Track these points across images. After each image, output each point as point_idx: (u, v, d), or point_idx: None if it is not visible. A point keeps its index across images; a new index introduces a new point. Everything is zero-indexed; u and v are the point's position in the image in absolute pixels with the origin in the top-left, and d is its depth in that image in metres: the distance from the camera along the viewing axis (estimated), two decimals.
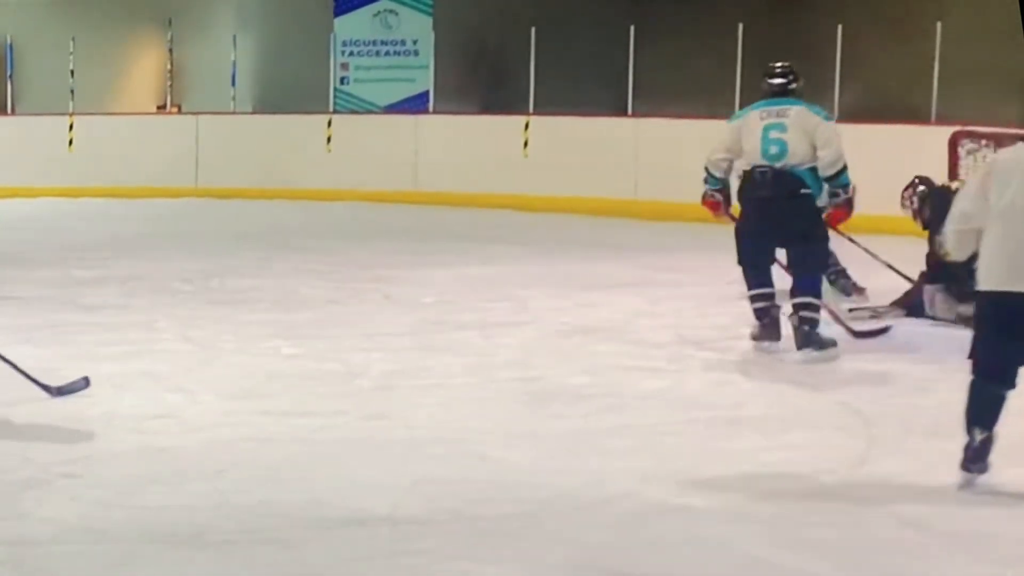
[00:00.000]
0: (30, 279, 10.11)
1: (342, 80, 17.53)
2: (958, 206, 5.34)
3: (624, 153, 15.05)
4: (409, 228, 13.48)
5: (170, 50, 18.24)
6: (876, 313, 8.64)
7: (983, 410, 5.29)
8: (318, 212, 14.76)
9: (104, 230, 13.06)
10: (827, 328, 7.75)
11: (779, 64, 8.04)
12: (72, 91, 16.97)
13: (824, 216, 7.80)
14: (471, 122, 16.17)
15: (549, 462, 5.51)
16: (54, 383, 6.56)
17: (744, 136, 7.80)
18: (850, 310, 8.61)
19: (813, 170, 7.69)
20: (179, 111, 18.11)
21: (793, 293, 7.67)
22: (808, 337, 7.56)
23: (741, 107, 14.99)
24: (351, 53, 17.56)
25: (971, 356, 5.33)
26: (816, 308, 7.66)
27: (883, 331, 8.27)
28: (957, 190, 8.61)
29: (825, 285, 8.32)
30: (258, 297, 9.46)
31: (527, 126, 15.56)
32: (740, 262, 7.86)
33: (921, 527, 4.77)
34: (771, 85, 7.94)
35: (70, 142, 15.97)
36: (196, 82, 18.43)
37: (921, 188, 8.68)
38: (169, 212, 14.74)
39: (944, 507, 4.99)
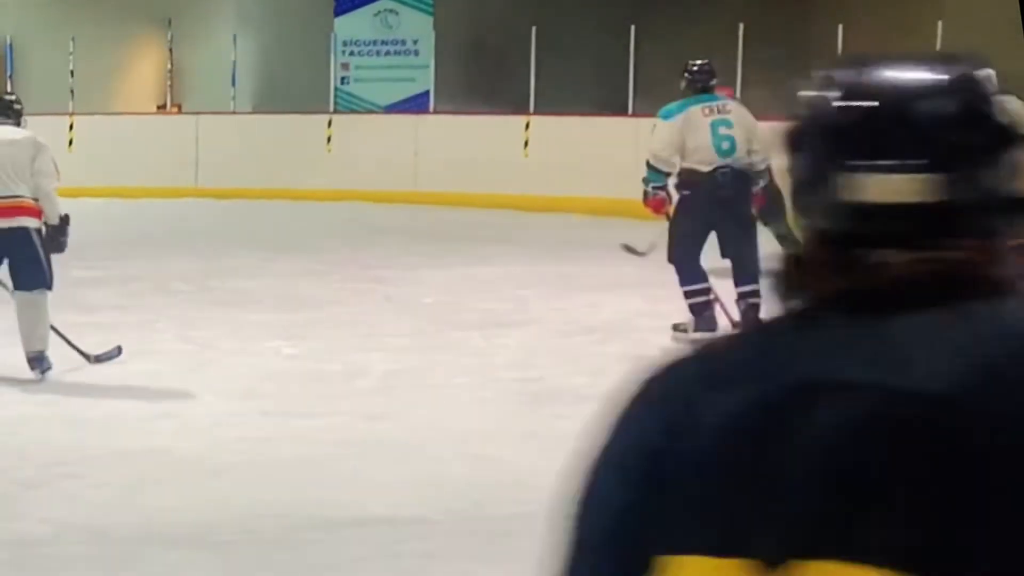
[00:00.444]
0: None
1: (342, 80, 17.54)
2: None
3: (624, 153, 15.04)
4: (409, 228, 13.48)
5: (170, 50, 18.25)
6: None
7: None
8: (318, 212, 14.76)
9: (104, 230, 13.05)
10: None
11: (703, 61, 8.24)
12: (72, 91, 16.99)
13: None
14: (471, 122, 16.18)
15: (549, 462, 5.48)
16: (53, 383, 6.57)
17: (689, 133, 7.91)
18: None
19: None
20: (179, 111, 18.13)
21: (743, 282, 7.88)
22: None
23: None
24: (351, 53, 17.57)
25: None
26: (760, 294, 7.79)
27: None
28: None
29: None
30: (258, 297, 9.46)
31: (527, 126, 15.57)
32: (681, 259, 8.05)
33: None
34: (704, 80, 8.10)
35: (70, 142, 15.95)
36: (196, 82, 18.45)
37: None
38: (169, 212, 14.74)
39: None
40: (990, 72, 1.44)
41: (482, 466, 5.46)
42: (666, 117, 8.03)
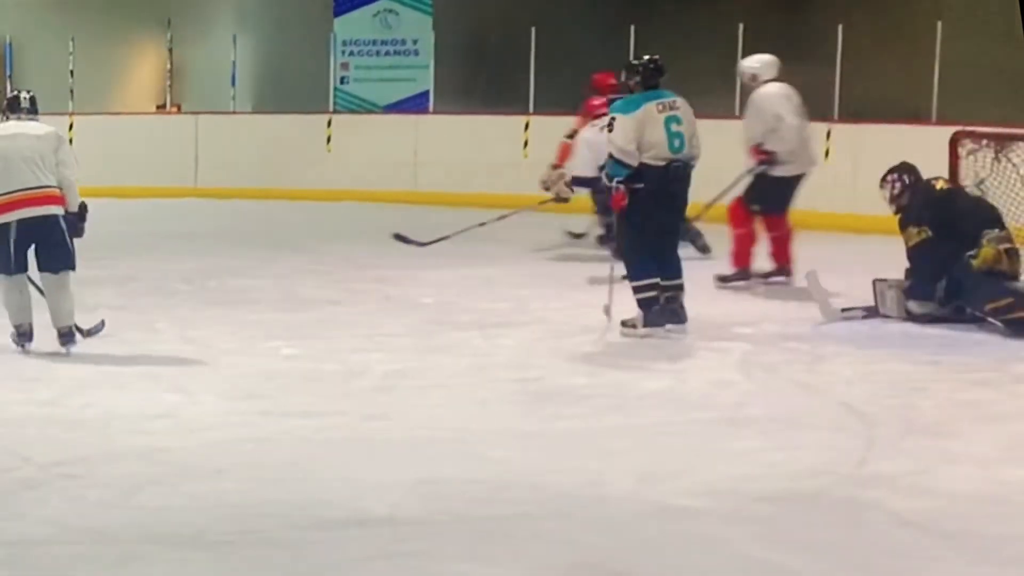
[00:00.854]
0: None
1: (342, 80, 17.53)
2: None
3: None
4: (409, 228, 13.45)
5: (170, 50, 18.23)
6: (869, 313, 8.66)
7: None
8: (318, 212, 14.75)
9: (104, 230, 13.02)
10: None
11: (654, 57, 8.37)
12: (72, 91, 16.98)
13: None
14: (471, 122, 16.16)
15: (549, 462, 5.50)
16: (53, 383, 6.57)
17: (647, 128, 8.04)
18: (843, 310, 8.64)
19: None
20: (179, 111, 18.10)
21: (673, 275, 8.19)
22: (684, 313, 8.11)
23: (742, 107, 15.07)
24: (351, 53, 17.55)
25: None
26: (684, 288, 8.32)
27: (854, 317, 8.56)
28: (941, 189, 8.66)
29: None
30: (258, 297, 9.46)
31: (527, 126, 15.55)
32: (637, 251, 8.13)
33: (921, 527, 4.77)
34: (656, 77, 8.26)
35: (69, 142, 15.95)
36: (196, 82, 18.44)
37: (907, 176, 8.70)
38: (169, 212, 14.74)
39: (944, 507, 4.98)
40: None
41: (482, 466, 5.45)
42: (625, 112, 8.11)
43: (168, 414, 6.24)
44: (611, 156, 8.08)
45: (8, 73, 17.81)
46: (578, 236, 11.17)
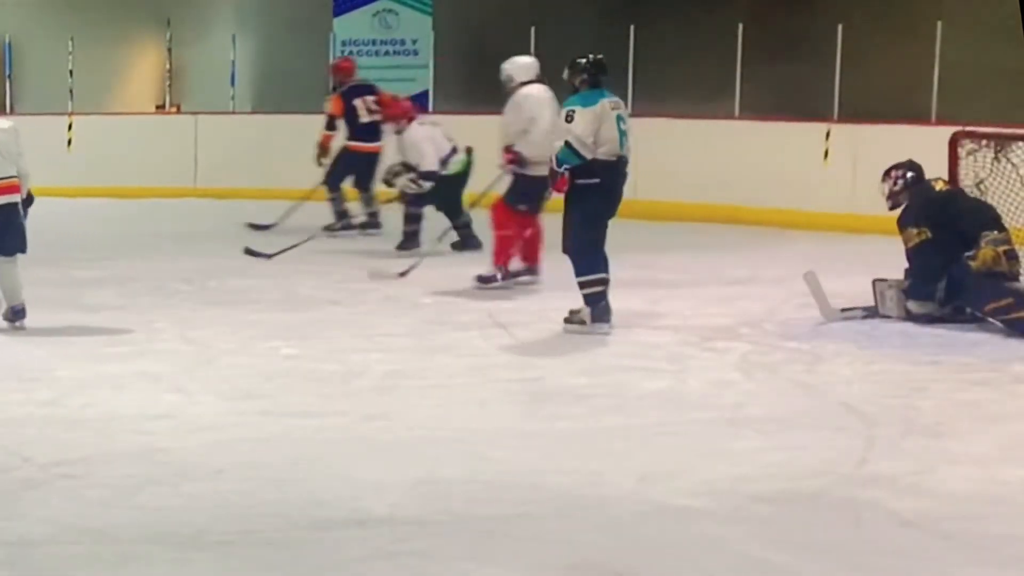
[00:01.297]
0: (30, 279, 10.09)
1: None
2: None
3: None
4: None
5: (169, 50, 18.23)
6: (869, 314, 8.66)
7: None
8: (317, 212, 14.72)
9: (103, 230, 13.06)
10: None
11: (599, 55, 8.52)
12: (71, 91, 16.97)
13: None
14: (470, 122, 16.12)
15: (549, 462, 5.50)
16: (53, 383, 6.56)
17: (603, 124, 8.17)
18: (842, 310, 8.64)
19: None
20: (178, 111, 18.10)
21: (608, 270, 8.31)
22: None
23: (741, 107, 15.12)
24: (350, 53, 17.53)
25: None
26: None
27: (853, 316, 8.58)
28: (941, 190, 8.66)
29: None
30: (257, 297, 9.45)
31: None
32: (585, 247, 8.24)
33: (921, 527, 4.77)
34: (602, 74, 8.42)
35: (69, 142, 15.96)
36: (195, 82, 18.43)
37: (910, 175, 8.70)
38: (168, 212, 14.73)
39: (944, 507, 4.98)
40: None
41: (482, 466, 5.45)
42: (585, 105, 8.20)
43: (168, 414, 6.24)
44: (568, 144, 8.11)
45: (8, 73, 17.82)
46: (262, 228, 11.29)
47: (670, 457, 5.61)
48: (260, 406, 6.41)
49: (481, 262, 10.11)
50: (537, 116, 9.64)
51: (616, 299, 9.38)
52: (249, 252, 11.18)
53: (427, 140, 11.63)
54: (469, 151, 11.67)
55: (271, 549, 4.53)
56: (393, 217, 12.07)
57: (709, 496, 5.07)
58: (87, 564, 4.38)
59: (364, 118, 13.16)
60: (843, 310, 8.66)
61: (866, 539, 4.67)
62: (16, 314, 8.14)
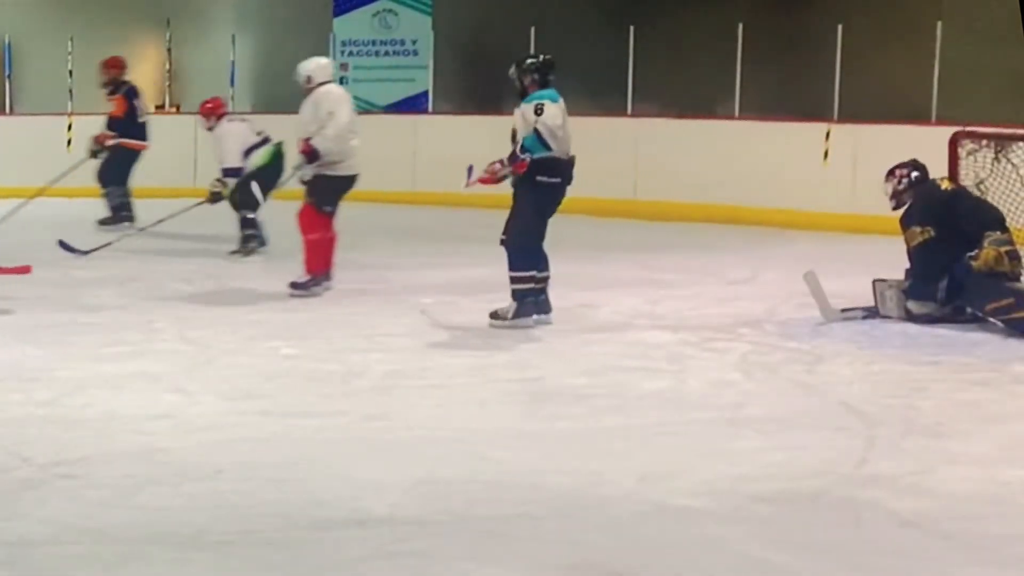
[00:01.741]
0: (30, 279, 10.10)
1: (341, 80, 17.47)
2: None
3: (624, 153, 15.04)
4: (409, 228, 13.48)
5: (169, 50, 18.22)
6: (869, 314, 8.67)
7: None
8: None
9: (103, 230, 13.04)
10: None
11: (547, 55, 8.66)
12: (71, 91, 16.96)
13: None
14: (470, 122, 16.15)
15: (549, 462, 5.50)
16: (53, 383, 6.57)
17: (564, 122, 8.36)
18: (842, 310, 8.65)
19: None
20: (178, 111, 18.07)
21: (548, 267, 8.46)
22: (550, 304, 8.47)
23: (741, 107, 15.12)
24: (350, 53, 17.55)
25: None
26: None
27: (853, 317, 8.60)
28: (946, 190, 8.65)
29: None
30: (257, 297, 9.45)
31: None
32: (528, 243, 8.35)
33: (921, 527, 4.77)
34: (550, 74, 8.51)
35: (68, 142, 15.92)
36: (195, 82, 18.40)
37: (915, 174, 8.70)
38: (167, 212, 14.69)
39: (944, 507, 4.98)
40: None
41: (482, 466, 5.45)
42: (554, 100, 8.35)
43: (168, 414, 6.24)
44: (537, 133, 8.19)
45: (7, 73, 17.80)
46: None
47: (670, 457, 5.61)
48: (260, 406, 6.41)
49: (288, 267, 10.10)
50: (336, 111, 9.64)
51: (616, 299, 9.40)
52: (63, 246, 11.18)
53: (232, 136, 11.73)
54: (279, 144, 11.62)
55: (271, 549, 4.53)
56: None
57: (709, 496, 5.07)
58: (87, 564, 4.38)
59: (141, 118, 13.54)
60: (843, 310, 8.66)
61: (866, 539, 4.66)
62: None
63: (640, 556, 4.48)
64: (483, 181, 8.52)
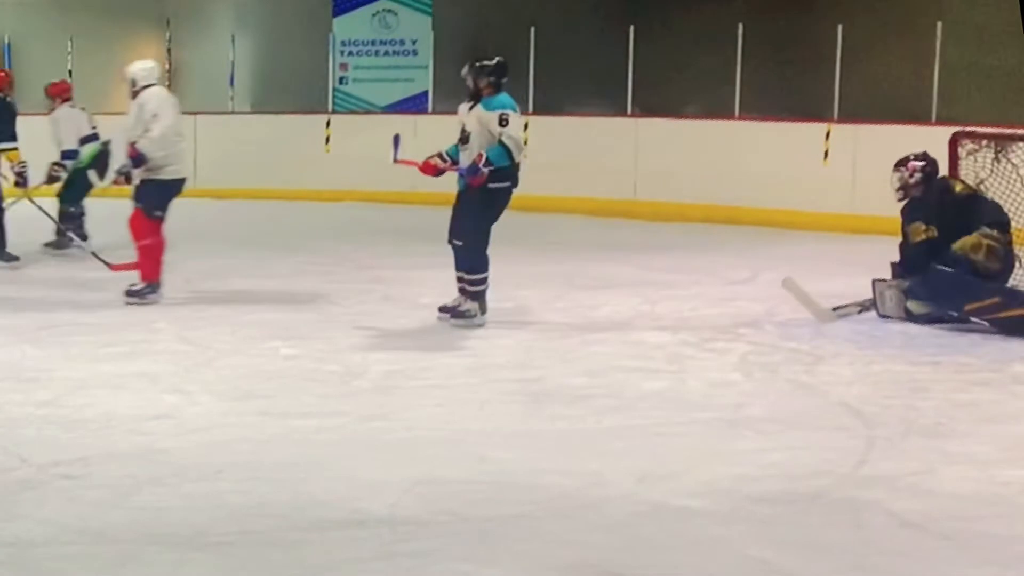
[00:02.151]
0: (30, 279, 10.10)
1: (341, 80, 17.53)
2: None
3: (624, 153, 15.05)
4: (408, 228, 13.47)
5: (168, 50, 18.23)
6: (863, 307, 8.66)
7: None
8: (316, 212, 14.75)
9: (103, 231, 13.03)
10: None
11: (501, 58, 8.67)
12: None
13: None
14: None
15: (549, 463, 5.49)
16: (52, 383, 6.56)
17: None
18: (834, 309, 8.65)
19: None
20: None
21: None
22: None
23: (741, 107, 15.13)
24: (350, 53, 17.56)
25: None
26: None
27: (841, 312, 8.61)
28: (961, 193, 8.63)
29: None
30: (256, 297, 9.45)
31: (526, 126, 15.51)
32: (482, 248, 8.45)
33: (921, 527, 4.77)
34: (504, 77, 8.56)
35: None
36: (194, 82, 18.41)
37: (929, 168, 8.66)
38: (167, 212, 14.70)
39: (944, 507, 4.98)
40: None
41: (481, 466, 5.45)
42: (514, 109, 8.38)
43: (167, 414, 6.23)
44: (503, 146, 8.22)
45: None
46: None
47: (670, 457, 5.60)
48: (259, 406, 6.40)
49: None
50: (160, 113, 9.56)
51: (616, 299, 9.39)
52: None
53: (71, 121, 11.76)
54: (106, 143, 11.57)
55: (270, 549, 4.52)
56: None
57: (709, 496, 5.06)
58: (86, 565, 4.37)
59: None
60: (835, 308, 8.64)
61: (866, 539, 4.66)
62: None
63: (640, 556, 4.48)
64: (423, 170, 8.66)
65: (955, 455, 5.65)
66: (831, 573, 4.38)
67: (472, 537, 4.64)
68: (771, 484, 5.23)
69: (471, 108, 8.43)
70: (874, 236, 10.87)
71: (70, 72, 17.03)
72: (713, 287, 10.03)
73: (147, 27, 18.40)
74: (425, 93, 17.22)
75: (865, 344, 7.96)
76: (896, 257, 8.71)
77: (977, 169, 9.00)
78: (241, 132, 16.74)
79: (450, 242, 8.55)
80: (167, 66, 18.23)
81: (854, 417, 6.26)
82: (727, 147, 14.48)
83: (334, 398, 6.62)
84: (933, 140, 9.85)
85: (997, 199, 8.82)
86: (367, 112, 17.36)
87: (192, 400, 6.51)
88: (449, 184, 8.51)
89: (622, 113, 15.65)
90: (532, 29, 15.87)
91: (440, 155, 8.64)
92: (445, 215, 8.76)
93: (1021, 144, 8.95)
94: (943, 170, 8.97)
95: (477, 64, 8.49)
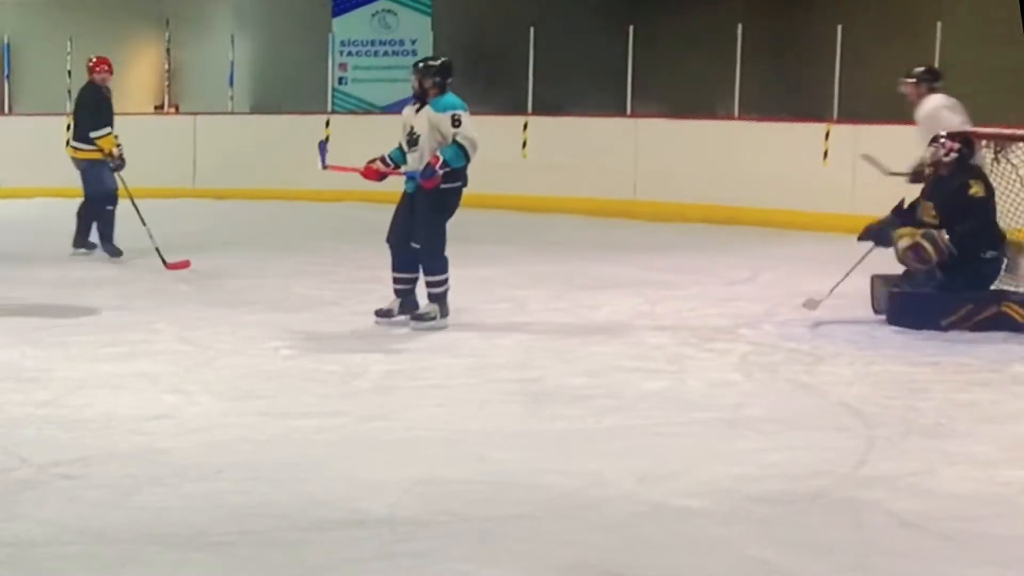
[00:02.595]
0: (29, 279, 10.10)
1: (340, 80, 17.52)
2: None
3: (623, 153, 15.04)
4: None
5: (168, 50, 18.22)
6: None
7: None
8: (316, 212, 14.74)
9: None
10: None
11: (447, 58, 8.78)
12: (69, 91, 16.92)
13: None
14: (470, 122, 16.14)
15: (549, 463, 5.49)
16: (52, 383, 6.56)
17: None
18: (892, 173, 8.90)
19: None
20: (177, 111, 18.09)
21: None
22: None
23: (741, 107, 15.12)
24: (349, 53, 17.55)
25: None
26: None
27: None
28: (974, 196, 8.59)
29: None
30: (256, 298, 9.45)
31: (526, 126, 15.54)
32: (442, 250, 8.55)
33: (921, 527, 4.77)
34: (450, 78, 8.60)
35: (67, 142, 15.93)
36: (194, 82, 18.42)
37: (965, 151, 8.64)
38: (167, 212, 14.69)
39: (944, 507, 4.98)
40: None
41: (480, 466, 5.45)
42: (464, 109, 8.42)
43: (167, 414, 6.23)
44: (459, 146, 8.26)
45: (6, 73, 17.80)
46: None
47: (670, 457, 5.60)
48: (259, 406, 6.40)
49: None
50: None
51: (616, 299, 9.39)
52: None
53: None
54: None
55: (270, 549, 4.52)
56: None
57: (709, 496, 5.06)
58: (86, 564, 4.37)
59: None
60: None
61: (866, 539, 4.66)
62: None
63: (640, 556, 4.47)
64: (365, 175, 8.70)
65: (955, 455, 5.65)
66: (831, 573, 4.38)
67: (472, 537, 4.64)
68: (771, 484, 5.23)
69: (418, 110, 8.43)
70: None
71: (69, 72, 17.03)
72: (713, 287, 10.02)
73: (146, 27, 18.40)
74: None
75: (865, 344, 7.96)
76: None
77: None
78: (240, 132, 16.73)
79: (388, 241, 8.62)
80: (167, 66, 18.24)
81: (854, 417, 6.26)
82: (727, 147, 14.48)
83: (334, 398, 6.62)
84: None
85: (997, 199, 8.81)
86: (367, 112, 17.35)
87: (192, 400, 6.51)
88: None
89: (622, 113, 15.64)
90: (532, 29, 15.87)
91: (383, 159, 8.66)
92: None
93: (1021, 144, 8.94)
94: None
95: (422, 65, 8.55)
